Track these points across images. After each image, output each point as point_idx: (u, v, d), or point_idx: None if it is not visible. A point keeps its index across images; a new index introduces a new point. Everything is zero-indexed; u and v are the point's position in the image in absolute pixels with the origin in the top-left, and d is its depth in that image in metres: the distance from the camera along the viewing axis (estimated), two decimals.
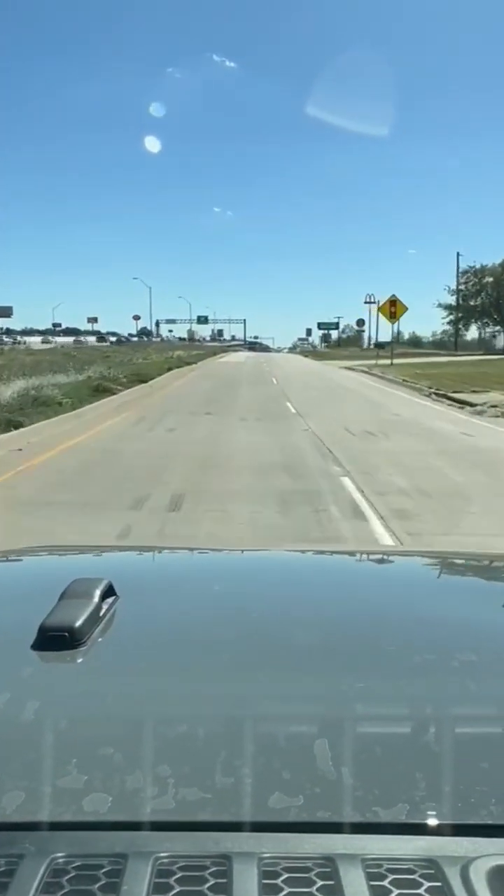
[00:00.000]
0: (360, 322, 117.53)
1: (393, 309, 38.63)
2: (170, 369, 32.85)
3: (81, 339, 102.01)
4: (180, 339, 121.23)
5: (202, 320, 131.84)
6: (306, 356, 74.22)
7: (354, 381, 27.53)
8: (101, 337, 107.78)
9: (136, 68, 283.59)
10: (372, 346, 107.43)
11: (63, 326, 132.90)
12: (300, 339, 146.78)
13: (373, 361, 40.95)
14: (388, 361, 38.11)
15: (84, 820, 0.53)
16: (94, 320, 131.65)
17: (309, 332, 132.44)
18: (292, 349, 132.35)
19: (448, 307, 71.01)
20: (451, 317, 71.21)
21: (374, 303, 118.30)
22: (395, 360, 38.21)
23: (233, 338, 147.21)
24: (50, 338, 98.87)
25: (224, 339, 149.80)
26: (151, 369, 28.78)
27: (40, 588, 1.01)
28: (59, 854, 0.49)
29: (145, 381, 23.37)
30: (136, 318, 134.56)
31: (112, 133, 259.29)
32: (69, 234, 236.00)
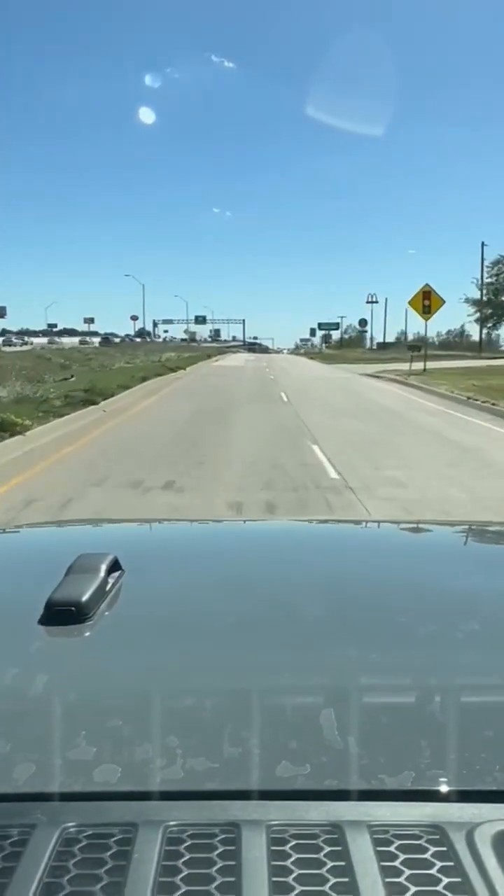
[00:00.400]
0: (363, 322, 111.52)
1: (427, 302, 30.69)
2: (145, 379, 25.48)
3: (56, 339, 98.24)
4: (182, 340, 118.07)
5: (200, 320, 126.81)
6: (312, 358, 67.15)
7: (397, 399, 19.34)
8: (82, 339, 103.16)
9: (134, 68, 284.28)
10: (375, 347, 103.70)
11: (60, 327, 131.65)
12: (302, 340, 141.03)
13: (395, 367, 34.11)
14: (414, 366, 30.48)
15: (94, 790, 0.54)
16: (90, 321, 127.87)
17: (313, 332, 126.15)
18: (296, 350, 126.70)
19: (475, 302, 62.65)
20: (478, 314, 62.86)
21: (375, 302, 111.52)
22: (426, 365, 30.46)
23: (233, 338, 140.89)
24: (56, 339, 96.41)
25: (223, 340, 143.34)
26: (120, 379, 21.00)
27: (47, 563, 1.02)
28: (71, 824, 0.50)
29: (97, 401, 15.47)
30: (134, 318, 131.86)
31: (110, 134, 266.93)
32: (66, 234, 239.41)
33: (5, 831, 0.50)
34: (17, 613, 0.87)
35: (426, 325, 32.66)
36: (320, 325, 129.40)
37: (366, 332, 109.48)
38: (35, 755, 0.58)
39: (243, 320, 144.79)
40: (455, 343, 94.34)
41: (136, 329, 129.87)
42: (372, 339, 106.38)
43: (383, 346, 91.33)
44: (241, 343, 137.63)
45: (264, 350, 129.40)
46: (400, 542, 1.43)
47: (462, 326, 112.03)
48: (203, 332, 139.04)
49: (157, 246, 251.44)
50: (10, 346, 65.26)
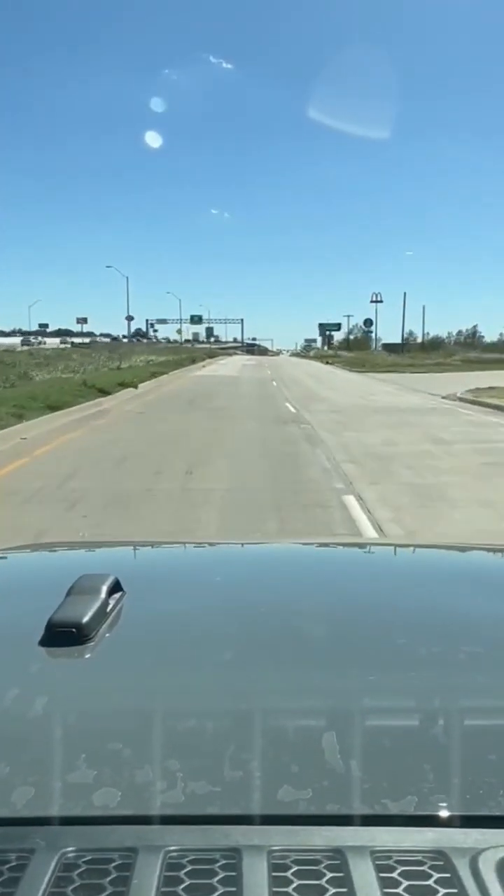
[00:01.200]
0: (368, 322, 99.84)
1: None
2: (53, 409, 12.97)
3: (33, 339, 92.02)
4: (185, 341, 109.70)
5: (196, 320, 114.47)
6: (328, 363, 53.01)
7: None
8: (63, 339, 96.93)
9: (131, 69, 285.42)
10: (380, 348, 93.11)
11: (55, 328, 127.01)
12: (307, 341, 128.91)
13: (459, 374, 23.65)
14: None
15: (94, 814, 0.53)
16: (83, 321, 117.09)
17: (327, 334, 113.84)
18: (304, 351, 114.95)
19: None
20: None
21: (380, 302, 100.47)
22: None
23: (234, 340, 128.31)
24: (33, 339, 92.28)
25: (223, 342, 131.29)
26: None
27: (47, 584, 1.02)
28: (70, 848, 0.49)
29: None
30: (129, 318, 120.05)
31: (107, 135, 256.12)
32: (61, 235, 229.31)
33: (4, 856, 0.49)
34: (17, 634, 0.86)
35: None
36: (321, 326, 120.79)
37: (371, 332, 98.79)
38: (34, 778, 0.57)
39: (242, 320, 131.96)
40: (467, 343, 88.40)
41: (133, 329, 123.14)
42: (377, 339, 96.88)
43: (390, 347, 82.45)
44: (240, 344, 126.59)
45: (263, 351, 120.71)
46: (401, 565, 1.43)
47: (474, 327, 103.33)
48: (200, 332, 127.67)
49: (156, 247, 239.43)
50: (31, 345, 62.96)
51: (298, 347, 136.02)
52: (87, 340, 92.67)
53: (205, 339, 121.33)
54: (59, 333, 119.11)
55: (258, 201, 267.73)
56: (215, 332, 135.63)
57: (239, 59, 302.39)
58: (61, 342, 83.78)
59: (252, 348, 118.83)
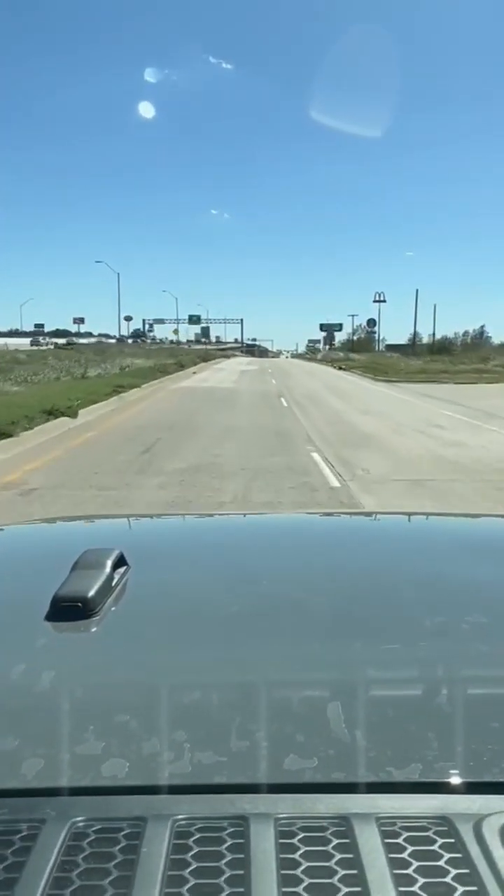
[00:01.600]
0: (372, 322, 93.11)
1: None
2: None
3: (41, 339, 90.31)
4: (187, 341, 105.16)
5: (194, 320, 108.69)
6: (341, 368, 44.76)
7: None
8: (34, 340, 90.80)
9: (129, 68, 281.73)
10: (383, 349, 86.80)
11: (52, 328, 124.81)
12: (311, 342, 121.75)
13: None
14: None
15: (103, 785, 0.54)
16: (80, 321, 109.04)
17: (328, 335, 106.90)
18: (310, 352, 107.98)
19: None
20: None
21: (383, 301, 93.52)
22: None
23: (235, 340, 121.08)
24: (74, 339, 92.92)
25: (222, 342, 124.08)
26: None
27: (52, 559, 1.04)
28: (80, 818, 0.50)
29: None
30: (128, 318, 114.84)
31: (106, 135, 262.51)
32: (59, 235, 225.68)
33: (15, 826, 0.50)
34: (23, 609, 0.86)
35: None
36: (322, 327, 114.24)
37: (374, 332, 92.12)
38: (43, 750, 0.58)
39: (241, 320, 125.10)
40: (475, 344, 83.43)
41: (132, 330, 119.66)
42: (379, 340, 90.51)
43: (395, 348, 75.82)
44: (240, 345, 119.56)
45: (263, 352, 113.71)
46: (404, 534, 1.42)
47: (482, 327, 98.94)
48: (198, 332, 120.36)
49: (155, 248, 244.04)
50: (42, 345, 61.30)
51: (299, 349, 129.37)
52: (93, 341, 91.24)
53: (204, 340, 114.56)
54: (57, 334, 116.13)
55: (258, 202, 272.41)
56: (215, 333, 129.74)
57: (239, 59, 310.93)
58: (68, 343, 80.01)
59: (252, 349, 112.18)
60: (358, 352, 72.61)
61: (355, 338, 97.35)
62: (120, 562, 0.91)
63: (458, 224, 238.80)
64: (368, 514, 1.98)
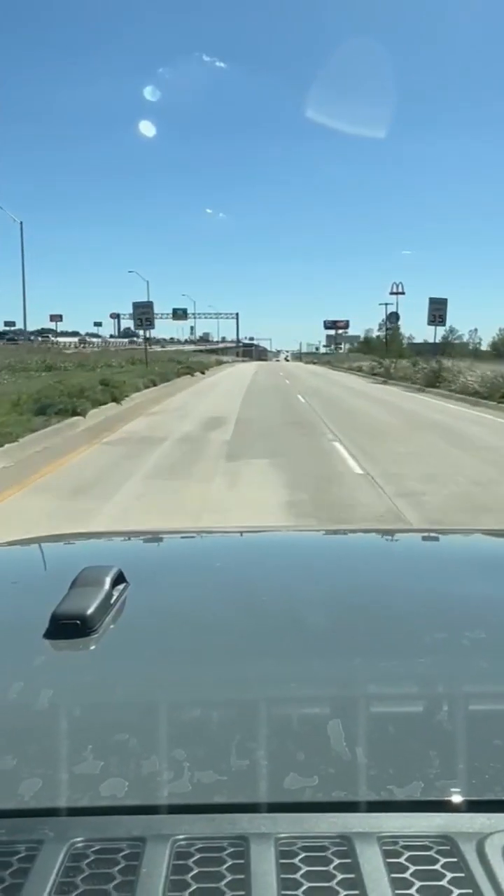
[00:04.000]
0: (394, 317, 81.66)
1: None
2: None
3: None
4: (187, 339, 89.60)
5: (179, 314, 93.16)
6: (386, 382, 31.44)
7: None
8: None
9: (124, 68, 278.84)
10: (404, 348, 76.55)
11: (37, 327, 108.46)
12: (333, 336, 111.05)
13: None
14: None
15: (101, 805, 0.53)
16: (57, 318, 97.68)
17: (336, 334, 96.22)
18: (331, 350, 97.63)
19: None
20: None
21: (402, 293, 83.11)
22: None
23: (231, 340, 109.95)
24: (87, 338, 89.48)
25: (211, 340, 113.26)
26: None
27: (51, 576, 1.06)
28: (78, 839, 0.49)
29: None
30: (114, 315, 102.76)
31: (99, 134, 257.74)
32: (50, 235, 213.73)
33: (12, 847, 0.49)
34: (22, 627, 0.86)
35: None
36: (326, 324, 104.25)
37: (395, 329, 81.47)
38: (41, 770, 0.57)
39: (237, 315, 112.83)
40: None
41: (122, 329, 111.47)
42: (399, 338, 79.89)
43: (416, 347, 64.90)
44: (235, 344, 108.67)
45: (262, 353, 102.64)
46: (403, 551, 1.41)
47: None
48: (183, 329, 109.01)
49: (145, 247, 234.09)
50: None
51: (303, 348, 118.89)
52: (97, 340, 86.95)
53: (189, 339, 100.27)
54: (40, 333, 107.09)
55: (252, 201, 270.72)
56: (206, 330, 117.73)
57: (234, 58, 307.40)
58: (80, 342, 76.22)
59: (249, 349, 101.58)
60: (374, 353, 61.93)
61: (374, 335, 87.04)
62: (119, 579, 0.90)
63: (458, 224, 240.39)
64: (367, 531, 1.87)
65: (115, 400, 14.72)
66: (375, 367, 37.89)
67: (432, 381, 23.92)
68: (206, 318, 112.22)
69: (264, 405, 17.89)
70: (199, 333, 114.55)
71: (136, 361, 31.21)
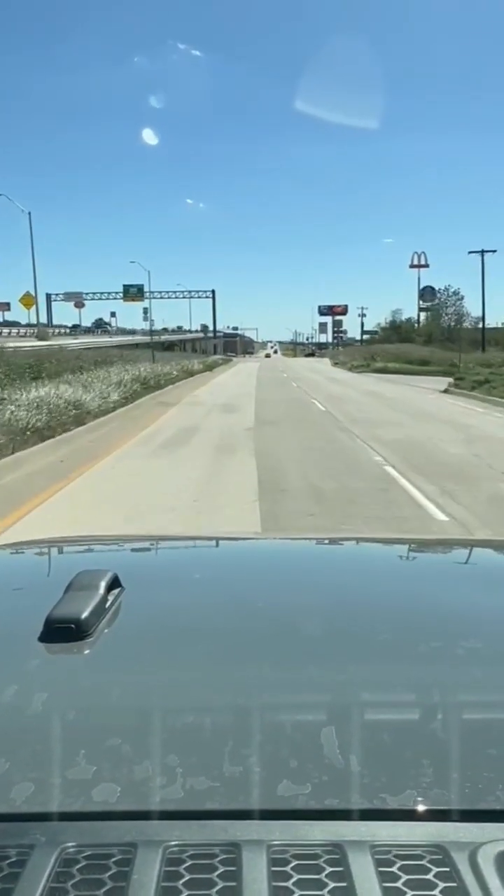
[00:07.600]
0: (430, 293, 63.90)
1: None
2: None
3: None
4: (133, 330, 70.83)
5: (131, 292, 66.23)
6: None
7: None
8: None
9: (112, 59, 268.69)
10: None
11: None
12: (337, 333, 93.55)
13: None
14: None
15: (93, 810, 0.53)
16: (5, 307, 78.52)
17: (333, 321, 78.65)
18: (319, 347, 79.07)
19: None
20: None
21: (426, 265, 66.48)
22: None
23: (229, 328, 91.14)
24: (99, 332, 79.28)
25: (185, 330, 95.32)
26: None
27: (46, 580, 1.07)
28: (70, 844, 0.50)
29: None
30: (79, 305, 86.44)
31: (97, 127, 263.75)
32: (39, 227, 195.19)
33: (3, 852, 0.49)
34: (16, 630, 0.86)
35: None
36: (321, 310, 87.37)
37: (432, 311, 63.79)
38: (34, 774, 0.57)
39: (213, 292, 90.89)
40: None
41: (95, 320, 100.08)
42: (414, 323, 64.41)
43: (448, 336, 48.32)
44: (208, 333, 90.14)
45: (248, 346, 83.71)
46: (399, 560, 1.41)
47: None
48: (136, 312, 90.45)
49: (136, 237, 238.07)
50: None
51: (297, 338, 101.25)
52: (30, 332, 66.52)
53: (149, 327, 67.28)
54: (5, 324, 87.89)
55: (233, 191, 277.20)
56: (177, 316, 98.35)
57: (219, 49, 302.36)
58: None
59: (232, 340, 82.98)
60: (412, 342, 43.78)
61: (394, 322, 68.85)
62: (114, 583, 0.90)
63: (440, 212, 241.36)
64: (363, 539, 1.84)
65: None
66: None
67: None
68: (172, 297, 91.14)
69: None
70: (168, 323, 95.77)
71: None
